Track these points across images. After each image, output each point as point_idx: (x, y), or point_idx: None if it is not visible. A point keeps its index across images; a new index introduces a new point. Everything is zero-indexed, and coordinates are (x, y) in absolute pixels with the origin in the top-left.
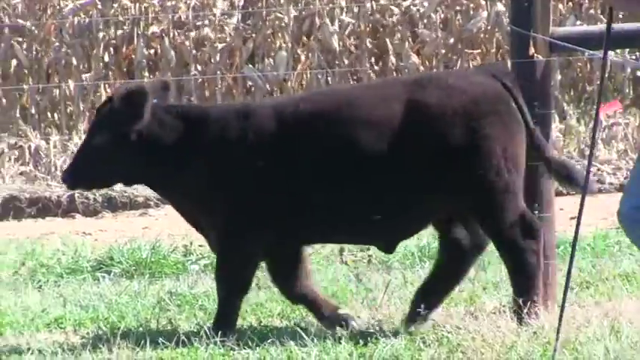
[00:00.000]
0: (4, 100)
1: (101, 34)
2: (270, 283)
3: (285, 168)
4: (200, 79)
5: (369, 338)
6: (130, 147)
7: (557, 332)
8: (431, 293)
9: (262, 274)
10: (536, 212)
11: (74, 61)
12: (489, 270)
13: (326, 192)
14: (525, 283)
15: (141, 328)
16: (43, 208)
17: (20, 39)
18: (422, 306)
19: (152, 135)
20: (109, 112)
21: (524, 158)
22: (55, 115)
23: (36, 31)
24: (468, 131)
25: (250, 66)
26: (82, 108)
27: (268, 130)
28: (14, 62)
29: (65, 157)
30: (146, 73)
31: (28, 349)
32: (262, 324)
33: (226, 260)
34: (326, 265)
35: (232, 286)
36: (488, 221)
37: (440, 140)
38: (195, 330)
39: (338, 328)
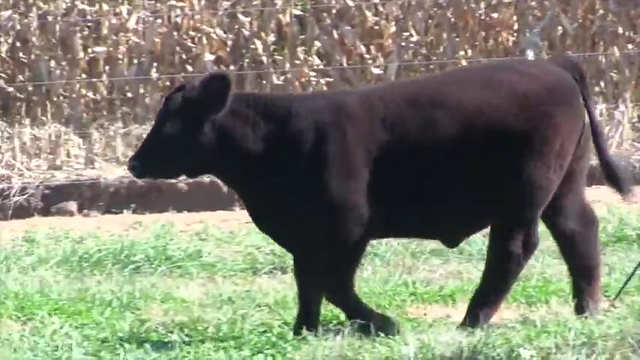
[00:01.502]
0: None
1: None
2: None
3: (372, 160)
4: None
5: None
6: (204, 138)
7: None
8: (581, 285)
9: None
10: None
11: (620, 30)
12: None
13: (410, 183)
14: (498, 287)
15: None
16: None
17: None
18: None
19: (225, 125)
20: (188, 99)
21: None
22: (601, 83)
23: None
24: (538, 120)
25: None
26: (627, 76)
27: (354, 121)
28: (559, 30)
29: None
30: None
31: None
32: None
33: (334, 259)
34: None
35: (341, 286)
36: (509, 215)
37: (514, 129)
38: None
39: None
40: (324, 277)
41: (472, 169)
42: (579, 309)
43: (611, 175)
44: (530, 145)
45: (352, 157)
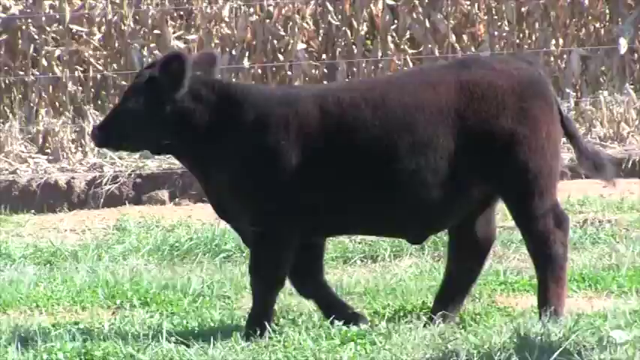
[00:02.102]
0: None
1: None
2: None
3: (322, 156)
4: None
5: None
6: (163, 115)
7: None
8: (450, 295)
9: None
10: None
11: None
12: None
13: (363, 180)
14: (554, 275)
15: None
16: None
17: None
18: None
19: (185, 107)
20: (149, 77)
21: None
22: None
23: None
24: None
25: None
26: None
27: (308, 118)
28: None
29: None
30: None
31: None
32: None
33: (262, 251)
34: None
35: (269, 279)
36: (523, 209)
37: (486, 124)
38: None
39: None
40: (257, 266)
41: (445, 168)
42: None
43: (592, 162)
44: (518, 140)
45: (293, 152)
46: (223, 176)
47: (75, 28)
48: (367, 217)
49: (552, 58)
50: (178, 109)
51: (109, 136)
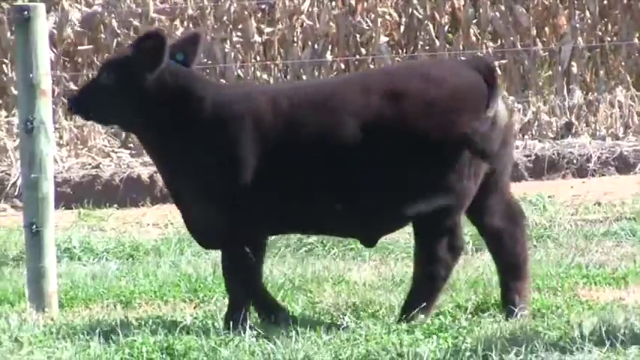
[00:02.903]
0: None
1: None
2: None
3: (274, 156)
4: None
5: None
6: (130, 96)
7: None
8: (509, 283)
9: None
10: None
11: None
12: None
13: (310, 180)
14: (428, 292)
15: None
16: None
17: None
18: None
19: (152, 93)
20: (124, 56)
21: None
22: None
23: None
24: (446, 125)
25: None
26: None
27: (264, 117)
28: None
29: None
30: None
31: None
32: None
33: (230, 251)
34: None
35: (241, 277)
36: (429, 223)
37: (418, 132)
38: None
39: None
40: (231, 267)
41: (377, 174)
42: (506, 307)
43: None
44: (438, 153)
45: (245, 150)
46: (180, 171)
47: (157, 21)
48: (315, 217)
49: (636, 52)
50: (145, 92)
51: (79, 105)
